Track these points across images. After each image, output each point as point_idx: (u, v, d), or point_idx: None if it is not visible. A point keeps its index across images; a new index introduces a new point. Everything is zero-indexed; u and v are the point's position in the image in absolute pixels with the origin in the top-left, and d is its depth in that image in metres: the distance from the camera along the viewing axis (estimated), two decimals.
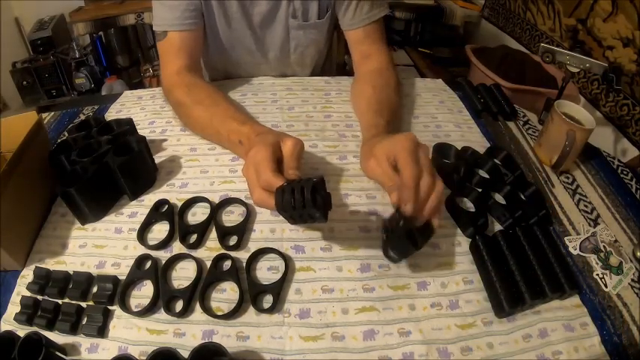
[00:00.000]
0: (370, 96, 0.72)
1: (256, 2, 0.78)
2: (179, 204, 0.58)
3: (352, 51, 0.85)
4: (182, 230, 0.55)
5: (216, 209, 0.57)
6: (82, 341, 0.44)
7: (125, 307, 0.47)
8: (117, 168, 0.55)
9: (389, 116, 0.67)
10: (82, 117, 0.78)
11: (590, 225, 0.58)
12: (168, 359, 0.40)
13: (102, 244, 0.54)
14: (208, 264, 0.51)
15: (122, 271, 0.50)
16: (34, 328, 0.45)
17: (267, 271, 0.51)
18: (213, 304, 0.48)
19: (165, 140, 0.70)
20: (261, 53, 0.87)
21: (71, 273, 0.49)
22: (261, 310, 0.47)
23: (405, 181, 0.46)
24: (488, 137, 0.73)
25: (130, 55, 2.17)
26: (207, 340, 0.44)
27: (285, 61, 0.89)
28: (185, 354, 0.40)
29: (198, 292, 0.48)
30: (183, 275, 0.50)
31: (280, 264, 0.51)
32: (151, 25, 0.78)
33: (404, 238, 0.46)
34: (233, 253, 0.52)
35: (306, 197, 0.42)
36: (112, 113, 0.78)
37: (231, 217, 0.57)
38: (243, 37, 0.83)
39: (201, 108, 0.67)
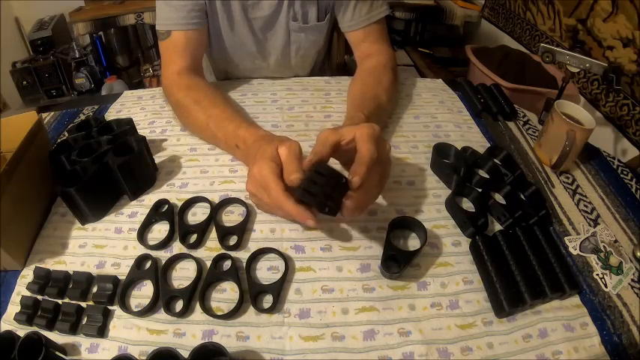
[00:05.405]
0: (356, 93, 0.72)
1: (257, 6, 0.78)
2: (179, 204, 0.58)
3: (354, 50, 0.85)
4: (182, 230, 0.55)
5: (216, 209, 0.57)
6: (82, 341, 0.45)
7: (125, 307, 0.47)
8: (117, 168, 0.55)
9: (369, 111, 0.64)
10: (82, 117, 0.78)
11: (590, 225, 0.58)
12: (168, 359, 0.40)
13: (102, 244, 0.54)
14: (208, 264, 0.51)
15: (122, 271, 0.50)
16: (34, 328, 0.45)
17: (267, 271, 0.51)
18: (213, 304, 0.48)
19: (165, 140, 0.70)
20: (263, 57, 0.87)
21: (71, 273, 0.49)
22: (261, 310, 0.47)
23: (361, 157, 0.47)
24: (488, 137, 0.73)
25: (130, 55, 2.16)
26: (207, 340, 0.44)
27: (286, 65, 0.89)
28: (185, 354, 0.40)
29: (198, 292, 0.48)
30: (183, 275, 0.50)
31: (280, 264, 0.51)
32: (151, 25, 0.78)
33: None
34: (233, 253, 0.52)
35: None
36: (112, 113, 0.78)
37: (231, 217, 0.57)
38: (245, 41, 0.83)
39: (199, 110, 0.66)
